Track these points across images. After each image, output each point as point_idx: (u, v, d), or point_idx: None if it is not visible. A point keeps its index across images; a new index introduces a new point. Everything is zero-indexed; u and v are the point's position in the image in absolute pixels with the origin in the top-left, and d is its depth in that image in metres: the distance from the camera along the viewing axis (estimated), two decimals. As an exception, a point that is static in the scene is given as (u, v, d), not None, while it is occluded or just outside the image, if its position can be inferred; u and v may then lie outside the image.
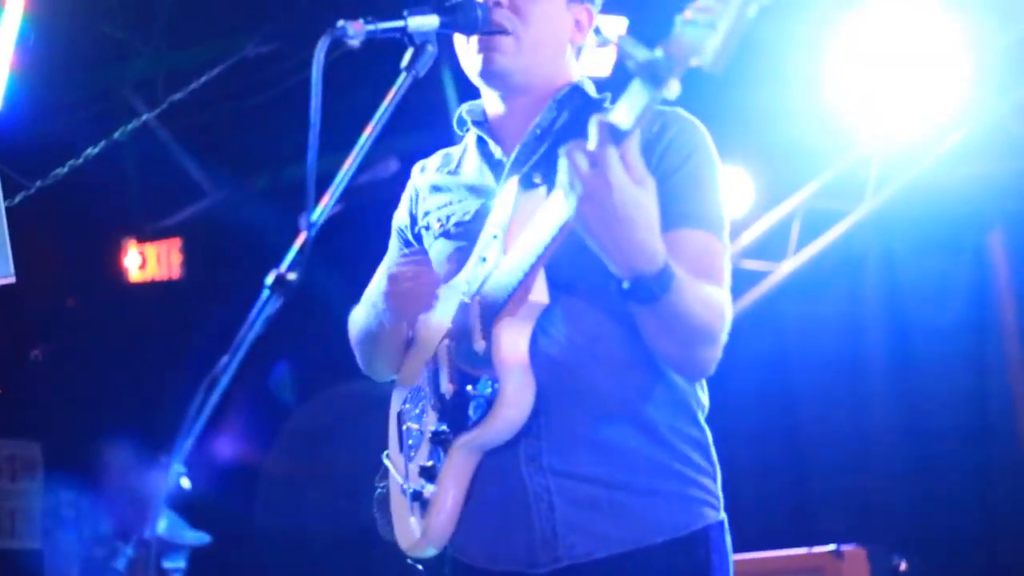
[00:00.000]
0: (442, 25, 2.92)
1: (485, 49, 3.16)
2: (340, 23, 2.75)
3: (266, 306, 2.47)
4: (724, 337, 2.96)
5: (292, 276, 2.49)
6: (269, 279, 2.49)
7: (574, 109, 3.22)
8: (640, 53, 2.55)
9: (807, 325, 8.50)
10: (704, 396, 3.17)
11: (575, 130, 3.03)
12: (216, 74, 7.51)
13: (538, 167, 3.11)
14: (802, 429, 8.50)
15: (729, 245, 3.08)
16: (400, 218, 3.53)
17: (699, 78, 2.56)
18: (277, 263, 2.51)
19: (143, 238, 9.57)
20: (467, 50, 3.20)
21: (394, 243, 3.55)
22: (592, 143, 2.61)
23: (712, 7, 2.47)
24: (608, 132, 2.59)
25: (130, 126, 6.94)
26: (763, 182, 8.26)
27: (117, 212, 9.26)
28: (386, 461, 3.37)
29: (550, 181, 2.88)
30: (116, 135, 6.77)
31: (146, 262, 9.69)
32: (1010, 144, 7.73)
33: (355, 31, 2.76)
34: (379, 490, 3.38)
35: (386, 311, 3.24)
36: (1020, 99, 7.48)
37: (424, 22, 2.86)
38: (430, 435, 3.13)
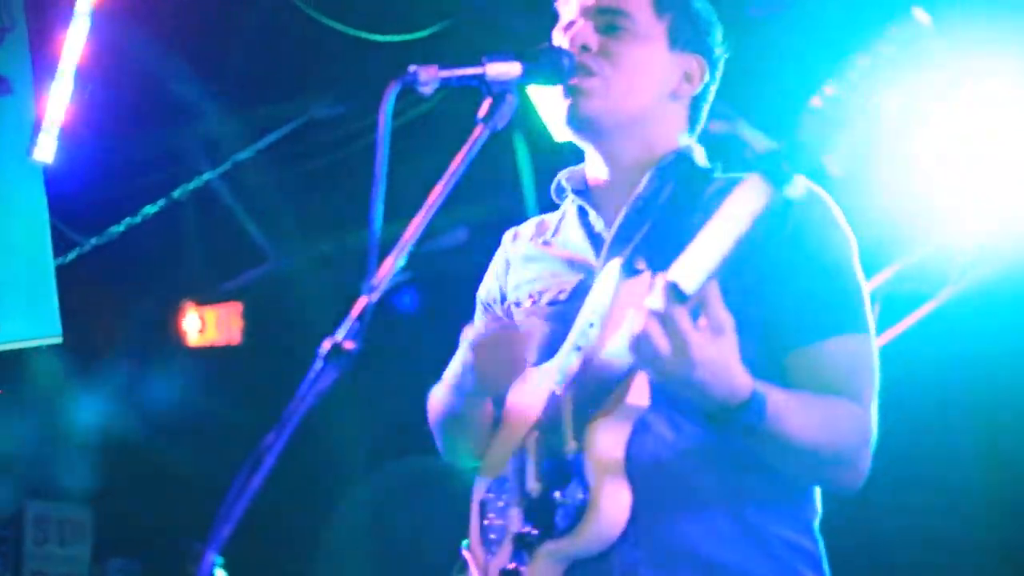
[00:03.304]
0: (525, 74, 2.64)
1: (571, 94, 2.91)
2: (412, 68, 2.50)
3: (320, 378, 2.22)
4: (862, 454, 2.71)
5: (350, 345, 2.23)
6: (324, 348, 2.24)
7: (679, 180, 2.95)
8: (759, 143, 2.29)
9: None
10: (818, 502, 2.89)
11: (679, 205, 2.79)
12: (282, 135, 7.34)
13: (641, 250, 2.85)
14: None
15: (872, 330, 2.80)
16: (488, 290, 3.28)
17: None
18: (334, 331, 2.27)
19: (202, 301, 9.38)
20: (554, 101, 2.95)
21: (480, 319, 3.30)
22: (658, 304, 2.38)
23: (842, 97, 2.26)
24: (676, 295, 2.37)
25: (191, 185, 6.78)
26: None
27: (177, 274, 9.08)
28: (465, 553, 3.09)
29: (654, 267, 2.62)
30: (176, 194, 6.60)
31: (205, 326, 9.48)
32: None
33: (427, 77, 2.51)
34: None
35: (473, 384, 2.97)
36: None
37: (505, 69, 2.60)
38: (514, 535, 2.85)
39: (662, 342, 2.38)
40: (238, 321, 9.48)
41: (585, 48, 2.92)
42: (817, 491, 2.89)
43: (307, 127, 7.55)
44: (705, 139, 3.11)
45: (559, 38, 3.02)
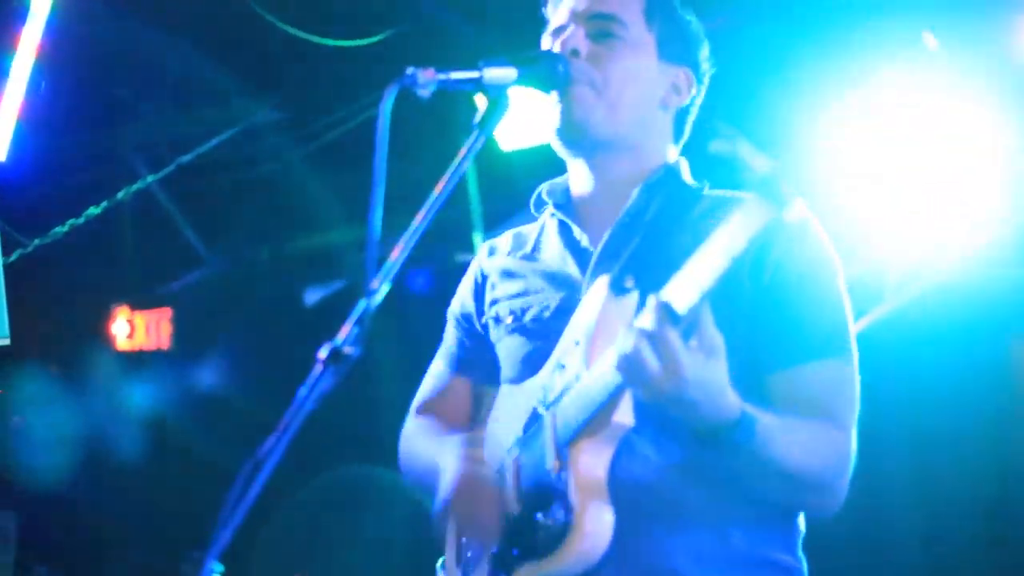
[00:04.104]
0: (520, 78, 2.63)
1: (564, 106, 2.87)
2: (410, 70, 2.46)
3: (319, 383, 2.17)
4: (841, 479, 2.70)
5: (350, 350, 2.19)
6: (323, 353, 2.19)
7: (667, 196, 2.93)
8: (761, 163, 2.28)
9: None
10: (802, 522, 2.88)
11: (667, 222, 2.78)
12: (223, 140, 7.25)
13: (629, 268, 2.81)
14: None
15: (855, 358, 2.77)
16: (463, 305, 3.21)
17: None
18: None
19: (135, 305, 9.27)
20: (545, 109, 2.90)
21: (452, 333, 3.24)
22: (649, 324, 2.37)
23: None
24: (669, 315, 2.35)
25: (133, 188, 6.67)
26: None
27: (111, 277, 8.96)
28: (440, 573, 3.05)
29: (643, 286, 2.63)
30: (120, 195, 6.50)
31: (134, 331, 9.37)
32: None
33: (426, 80, 2.47)
34: None
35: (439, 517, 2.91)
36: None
37: (501, 74, 2.58)
38: (491, 555, 2.83)
39: (652, 362, 2.36)
40: (167, 326, 9.37)
41: (575, 53, 2.88)
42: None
43: (249, 133, 7.45)
44: (699, 155, 3.10)
45: (548, 42, 2.99)
